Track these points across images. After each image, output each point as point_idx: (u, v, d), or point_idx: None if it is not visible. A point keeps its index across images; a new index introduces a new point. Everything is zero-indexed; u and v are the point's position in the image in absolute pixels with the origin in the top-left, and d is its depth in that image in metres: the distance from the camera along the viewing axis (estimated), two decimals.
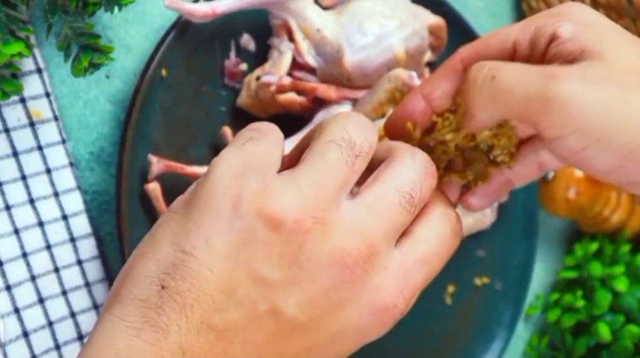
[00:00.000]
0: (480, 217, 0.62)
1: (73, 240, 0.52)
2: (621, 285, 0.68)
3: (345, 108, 0.54)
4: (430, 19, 0.57)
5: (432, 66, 0.60)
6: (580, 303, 0.69)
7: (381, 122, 0.51)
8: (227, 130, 0.55)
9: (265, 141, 0.36)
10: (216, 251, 0.33)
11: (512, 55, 0.40)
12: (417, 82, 0.51)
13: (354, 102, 0.55)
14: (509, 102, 0.37)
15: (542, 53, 0.39)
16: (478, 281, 0.67)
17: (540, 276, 0.73)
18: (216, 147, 0.55)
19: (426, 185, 0.37)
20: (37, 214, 0.50)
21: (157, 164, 0.51)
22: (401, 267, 0.36)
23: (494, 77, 0.37)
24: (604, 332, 0.67)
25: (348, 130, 0.36)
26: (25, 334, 0.49)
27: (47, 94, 0.51)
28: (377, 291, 0.35)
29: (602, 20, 0.39)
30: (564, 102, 0.35)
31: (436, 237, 0.38)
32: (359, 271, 0.34)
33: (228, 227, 0.34)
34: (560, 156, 0.38)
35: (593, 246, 0.72)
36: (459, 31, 0.61)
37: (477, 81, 0.38)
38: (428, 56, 0.58)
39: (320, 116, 0.55)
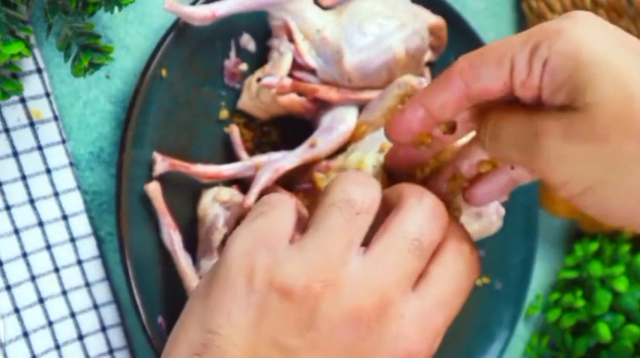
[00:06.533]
0: (487, 224, 0.62)
1: (73, 240, 0.52)
2: (621, 285, 0.68)
3: (351, 110, 0.54)
4: (430, 19, 0.57)
5: (432, 66, 0.60)
6: (580, 303, 0.69)
7: None
8: (234, 128, 0.55)
9: (273, 214, 0.38)
10: (238, 326, 0.35)
11: (510, 74, 0.38)
12: None
13: (355, 102, 0.55)
14: (512, 158, 0.39)
15: (540, 78, 0.37)
16: (478, 281, 0.67)
17: (540, 276, 0.73)
18: (217, 147, 0.55)
19: (435, 226, 0.38)
20: (37, 214, 0.50)
21: (162, 163, 0.51)
22: (418, 310, 0.37)
23: (497, 135, 0.39)
24: (604, 332, 0.67)
25: (347, 191, 0.38)
26: (25, 334, 0.49)
27: (47, 94, 0.51)
28: (396, 340, 0.36)
29: (599, 46, 0.36)
30: (549, 161, 0.36)
31: (450, 274, 0.39)
32: (374, 324, 0.35)
33: (246, 302, 0.36)
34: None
35: (593, 246, 0.72)
36: (459, 31, 0.61)
37: (485, 142, 0.40)
38: (428, 56, 0.58)
39: (326, 120, 0.55)
